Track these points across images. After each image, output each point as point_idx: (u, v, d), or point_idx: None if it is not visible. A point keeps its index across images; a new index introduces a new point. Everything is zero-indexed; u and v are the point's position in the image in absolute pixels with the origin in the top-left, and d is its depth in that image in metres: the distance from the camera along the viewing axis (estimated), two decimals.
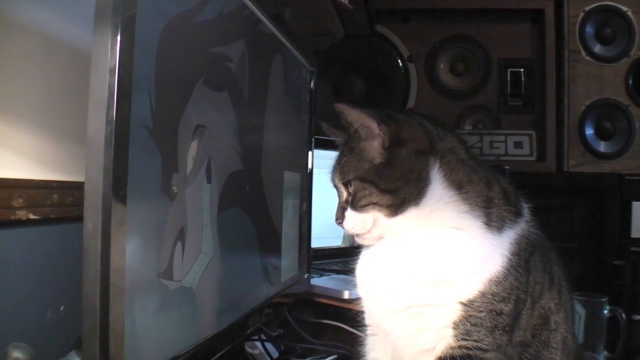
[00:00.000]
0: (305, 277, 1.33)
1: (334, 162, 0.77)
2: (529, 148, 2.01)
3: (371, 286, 0.74)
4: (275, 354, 1.23)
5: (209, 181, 0.80)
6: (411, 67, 2.11)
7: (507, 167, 1.58)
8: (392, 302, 0.70)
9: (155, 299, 0.65)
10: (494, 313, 0.65)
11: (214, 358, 0.88)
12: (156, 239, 0.65)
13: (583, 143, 1.96)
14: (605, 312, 1.19)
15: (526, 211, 0.71)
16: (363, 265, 0.76)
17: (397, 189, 0.67)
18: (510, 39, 2.09)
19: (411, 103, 2.10)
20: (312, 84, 1.35)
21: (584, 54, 1.97)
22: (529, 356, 0.70)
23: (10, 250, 0.84)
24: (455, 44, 2.11)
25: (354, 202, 0.71)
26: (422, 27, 2.13)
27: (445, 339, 0.67)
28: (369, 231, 0.71)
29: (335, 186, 0.76)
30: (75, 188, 0.92)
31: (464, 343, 0.66)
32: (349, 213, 0.72)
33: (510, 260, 0.66)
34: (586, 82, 1.97)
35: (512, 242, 0.67)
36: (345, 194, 0.73)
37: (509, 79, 2.08)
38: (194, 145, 0.74)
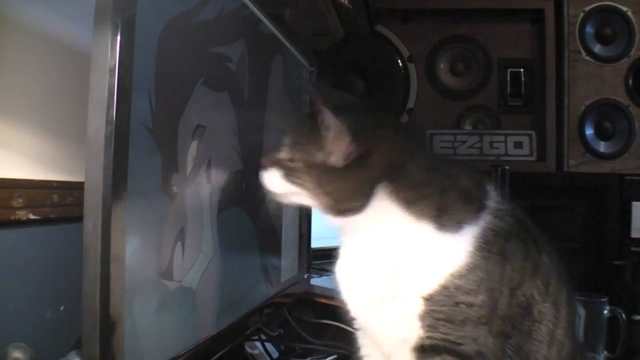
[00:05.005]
0: (305, 277, 1.33)
1: (294, 118, 0.75)
2: (529, 148, 2.01)
3: (344, 281, 0.75)
4: (275, 354, 1.23)
5: (209, 181, 0.80)
6: (411, 67, 2.11)
7: (507, 167, 1.58)
8: (362, 296, 0.72)
9: (155, 299, 0.65)
10: (463, 305, 0.66)
11: (214, 358, 0.88)
12: (156, 239, 0.66)
13: (583, 143, 1.96)
14: (605, 312, 1.19)
15: (493, 202, 0.71)
16: (339, 260, 0.77)
17: (339, 198, 0.68)
18: (510, 39, 2.09)
19: (411, 103, 2.10)
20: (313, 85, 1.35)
21: (584, 54, 1.97)
22: (511, 348, 0.69)
23: (10, 250, 0.84)
24: (455, 44, 2.11)
25: (288, 173, 0.70)
26: (422, 27, 2.12)
27: (415, 330, 0.68)
28: (284, 196, 0.73)
29: (282, 140, 0.73)
30: (75, 188, 0.92)
31: (431, 334, 0.67)
32: (276, 174, 0.71)
33: (475, 253, 0.67)
34: (586, 82, 1.96)
35: (476, 236, 0.67)
36: (284, 156, 0.71)
37: (509, 79, 2.08)
38: (194, 145, 0.74)
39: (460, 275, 0.66)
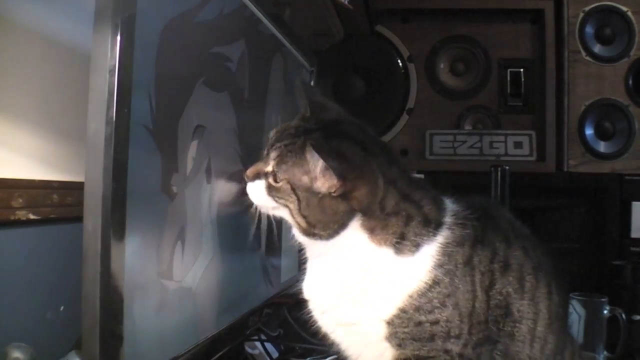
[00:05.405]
0: None
1: (283, 129, 0.74)
2: (529, 148, 2.01)
3: (311, 300, 0.77)
4: (275, 354, 1.23)
5: (209, 181, 0.80)
6: (411, 67, 2.11)
7: (507, 167, 1.58)
8: (329, 319, 0.74)
9: (155, 299, 0.65)
10: (427, 324, 0.67)
11: (214, 358, 0.88)
12: (156, 239, 0.66)
13: (583, 143, 1.96)
14: (605, 312, 1.19)
15: (451, 216, 0.72)
16: (306, 278, 0.78)
17: (314, 224, 0.69)
18: (510, 39, 2.09)
19: (411, 103, 2.10)
20: (312, 84, 1.35)
21: (584, 54, 1.97)
22: (499, 353, 0.70)
23: (10, 250, 0.84)
24: (455, 44, 2.11)
25: (272, 190, 0.71)
26: (422, 27, 2.12)
27: (387, 349, 0.70)
28: (265, 208, 0.73)
29: (268, 151, 0.73)
30: (75, 188, 0.92)
31: (402, 351, 0.69)
32: (261, 187, 0.72)
33: (434, 270, 0.68)
34: (586, 82, 1.96)
35: (434, 254, 0.69)
36: (270, 170, 0.71)
37: (508, 79, 2.08)
38: (193, 145, 0.74)
39: (420, 295, 0.67)
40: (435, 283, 0.68)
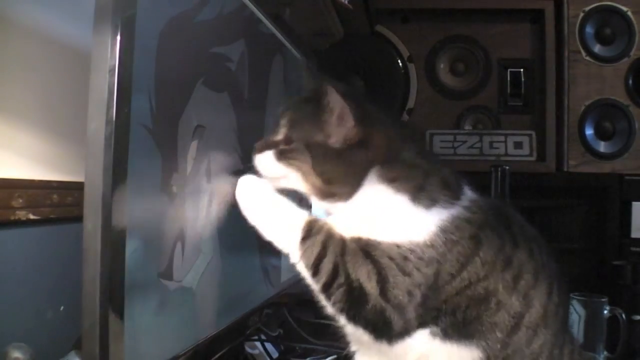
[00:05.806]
0: None
1: (290, 101, 0.76)
2: (529, 148, 2.01)
3: None
4: (275, 354, 1.23)
5: (208, 181, 0.80)
6: (411, 67, 2.11)
7: (507, 167, 1.58)
8: None
9: (155, 299, 0.65)
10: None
11: (214, 358, 0.88)
12: (156, 239, 0.66)
13: (583, 143, 1.96)
14: (605, 312, 1.19)
15: (467, 197, 0.73)
16: None
17: (330, 180, 0.69)
18: (510, 39, 2.09)
19: (411, 103, 2.10)
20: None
21: (584, 54, 1.97)
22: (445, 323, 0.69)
23: (10, 250, 0.84)
24: (455, 44, 2.11)
25: (283, 154, 0.71)
26: (422, 27, 2.12)
27: None
28: (275, 180, 0.73)
29: (278, 123, 0.74)
30: (75, 188, 0.92)
31: None
32: (270, 156, 0.72)
33: (437, 234, 0.68)
34: (586, 82, 1.97)
35: (444, 219, 0.69)
36: (281, 138, 0.72)
37: (508, 79, 2.08)
38: (193, 145, 0.74)
39: (411, 249, 0.67)
40: (429, 245, 0.67)
